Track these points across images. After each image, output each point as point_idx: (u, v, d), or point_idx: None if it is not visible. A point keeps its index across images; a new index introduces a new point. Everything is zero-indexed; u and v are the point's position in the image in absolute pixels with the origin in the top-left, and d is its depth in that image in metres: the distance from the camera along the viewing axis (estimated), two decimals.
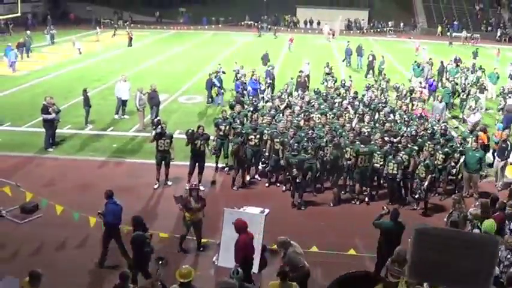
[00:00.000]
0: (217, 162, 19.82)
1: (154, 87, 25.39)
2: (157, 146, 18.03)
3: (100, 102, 28.13)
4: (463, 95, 27.29)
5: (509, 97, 27.56)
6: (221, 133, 19.50)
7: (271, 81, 29.39)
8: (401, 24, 72.65)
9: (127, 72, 32.13)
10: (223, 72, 30.79)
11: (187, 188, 14.91)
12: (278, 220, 14.49)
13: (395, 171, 17.07)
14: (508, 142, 19.39)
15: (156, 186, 18.16)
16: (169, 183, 18.36)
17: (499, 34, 68.58)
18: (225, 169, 19.85)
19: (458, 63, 37.00)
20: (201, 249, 14.14)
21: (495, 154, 20.06)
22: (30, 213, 15.70)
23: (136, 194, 17.51)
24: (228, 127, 19.50)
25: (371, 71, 38.44)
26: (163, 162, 18.18)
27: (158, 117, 21.93)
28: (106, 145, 22.60)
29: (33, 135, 23.16)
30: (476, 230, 12.68)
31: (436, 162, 17.78)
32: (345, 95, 25.24)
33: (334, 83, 28.44)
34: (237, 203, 14.46)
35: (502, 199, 14.53)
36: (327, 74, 30.43)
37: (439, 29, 70.01)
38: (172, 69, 40.05)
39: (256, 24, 66.79)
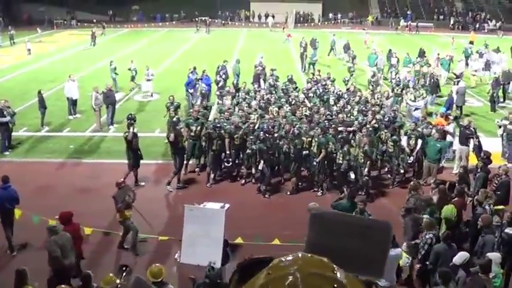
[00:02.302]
0: (188, 160, 19.63)
1: (109, 86, 25.26)
2: (131, 144, 18.05)
3: (56, 103, 27.78)
4: (397, 90, 26.32)
5: (460, 81, 28.28)
6: (192, 134, 19.09)
7: (223, 77, 29.38)
8: (350, 14, 73.47)
9: (82, 72, 31.92)
10: (115, 69, 31.02)
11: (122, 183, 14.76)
12: (238, 214, 14.64)
13: (340, 161, 17.38)
14: (472, 129, 19.62)
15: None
16: (141, 183, 18.37)
17: (452, 22, 69.79)
18: (196, 169, 19.71)
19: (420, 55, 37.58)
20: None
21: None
22: None
23: (96, 194, 17.44)
24: (199, 127, 19.10)
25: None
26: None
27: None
28: (63, 146, 22.40)
29: None
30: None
31: (389, 150, 18.31)
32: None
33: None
34: (198, 200, 14.56)
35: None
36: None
37: (370, 18, 70.99)
38: (127, 67, 39.71)
39: (210, 20, 66.67)
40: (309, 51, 39.27)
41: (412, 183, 14.99)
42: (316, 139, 17.78)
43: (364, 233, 2.25)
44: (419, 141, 18.70)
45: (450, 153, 20.62)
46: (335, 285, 1.74)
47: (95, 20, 64.59)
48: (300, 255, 1.87)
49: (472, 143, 19.31)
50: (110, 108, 24.98)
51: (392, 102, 25.00)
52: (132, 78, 31.78)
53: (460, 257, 11.13)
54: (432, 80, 28.73)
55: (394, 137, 18.48)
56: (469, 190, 15.53)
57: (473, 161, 18.52)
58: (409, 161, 18.82)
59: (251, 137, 18.02)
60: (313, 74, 28.86)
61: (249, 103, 21.95)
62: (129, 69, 31.80)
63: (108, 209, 15.21)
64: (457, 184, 15.08)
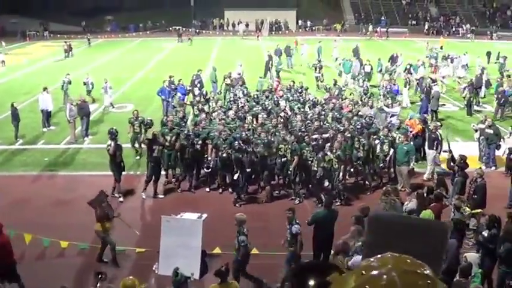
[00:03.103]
0: (167, 170, 19.52)
1: (83, 98, 25.09)
2: (115, 158, 17.78)
3: (29, 116, 27.52)
4: (364, 98, 25.76)
5: (435, 85, 28.57)
6: (167, 143, 18.86)
7: (197, 86, 29.27)
8: (324, 21, 73.88)
9: (56, 84, 31.63)
10: (69, 83, 30.01)
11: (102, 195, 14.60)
12: (216, 224, 14.58)
13: (315, 168, 17.41)
14: (438, 133, 19.95)
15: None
16: (117, 196, 18.16)
17: (426, 27, 70.50)
18: (172, 180, 19.56)
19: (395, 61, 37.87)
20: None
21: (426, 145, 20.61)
22: None
23: (72, 207, 17.29)
24: (174, 137, 18.91)
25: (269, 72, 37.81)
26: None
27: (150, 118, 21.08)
28: (38, 159, 22.17)
29: None
30: None
31: (361, 155, 18.45)
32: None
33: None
34: (175, 210, 14.45)
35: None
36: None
37: (338, 26, 71.55)
38: (100, 78, 39.49)
39: (184, 29, 66.60)
40: (274, 59, 39.02)
41: (384, 188, 15.04)
42: (289, 146, 17.82)
43: (422, 233, 2.30)
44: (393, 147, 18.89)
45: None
46: (428, 281, 1.81)
47: (73, 34, 64.17)
48: (389, 255, 1.92)
49: (439, 147, 19.70)
50: (85, 120, 24.78)
51: (375, 112, 24.73)
52: (88, 93, 30.51)
53: None
54: (426, 88, 28.30)
55: (364, 142, 18.56)
56: (447, 194, 15.60)
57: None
58: (380, 165, 18.99)
59: (224, 145, 17.97)
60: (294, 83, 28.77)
61: (224, 112, 21.87)
62: (85, 84, 30.85)
63: (84, 222, 15.09)
64: (434, 189, 15.15)
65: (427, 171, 19.87)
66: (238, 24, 71.97)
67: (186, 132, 18.81)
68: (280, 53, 43.84)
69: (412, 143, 19.26)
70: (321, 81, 30.12)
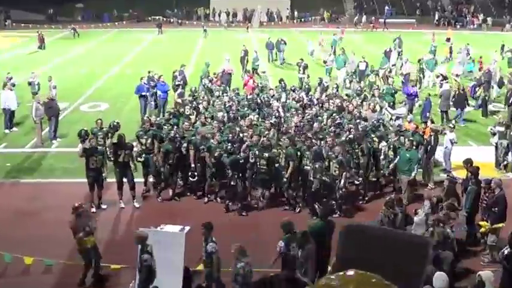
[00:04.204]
0: (146, 176, 19.39)
1: (51, 95, 24.96)
2: (88, 163, 17.62)
3: None
4: (358, 100, 25.40)
5: (445, 82, 28.63)
6: (143, 147, 18.95)
7: (180, 82, 29.21)
8: (322, 10, 74.13)
9: (20, 79, 31.50)
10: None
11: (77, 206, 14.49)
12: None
13: (311, 178, 17.29)
14: (433, 136, 19.95)
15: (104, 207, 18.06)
16: (103, 206, 18.08)
17: (437, 18, 70.50)
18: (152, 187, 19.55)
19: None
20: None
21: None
22: None
23: (37, 219, 17.21)
24: (150, 140, 18.93)
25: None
26: (96, 183, 17.82)
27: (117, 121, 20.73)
28: None
29: None
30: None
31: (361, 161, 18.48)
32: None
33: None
34: (154, 222, 14.43)
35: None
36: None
37: (325, 14, 71.80)
38: (72, 73, 39.45)
39: (164, 19, 66.58)
40: (250, 55, 38.60)
41: (388, 198, 14.98)
42: (284, 151, 17.84)
43: (401, 248, 2.30)
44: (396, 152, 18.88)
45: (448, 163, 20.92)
46: None
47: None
48: (352, 272, 1.91)
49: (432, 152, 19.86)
50: (53, 121, 24.64)
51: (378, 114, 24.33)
52: (34, 95, 28.34)
53: (439, 279, 11.02)
54: (458, 92, 27.63)
55: (363, 146, 18.58)
56: (459, 205, 15.47)
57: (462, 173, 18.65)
58: (384, 173, 19.07)
59: (218, 149, 17.95)
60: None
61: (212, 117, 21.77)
62: (30, 84, 29.65)
63: (51, 235, 15.04)
64: (444, 199, 15.07)
65: (430, 180, 19.89)
66: (219, 15, 71.87)
67: (172, 134, 18.71)
68: (272, 47, 43.90)
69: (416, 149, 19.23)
70: (307, 84, 29.67)
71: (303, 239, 12.55)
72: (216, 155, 17.90)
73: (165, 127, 19.61)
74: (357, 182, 18.75)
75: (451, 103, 27.30)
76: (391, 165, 18.71)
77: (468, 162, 16.90)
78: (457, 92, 27.49)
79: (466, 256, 14.86)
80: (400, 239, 2.39)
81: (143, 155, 18.92)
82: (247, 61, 38.27)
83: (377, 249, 2.28)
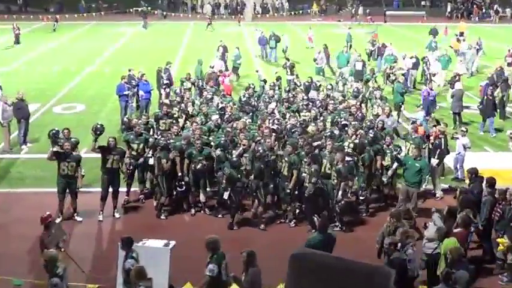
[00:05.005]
0: (130, 185, 19.44)
1: (21, 95, 24.92)
2: (59, 168, 17.57)
3: None
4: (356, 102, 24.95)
5: (457, 80, 28.69)
6: (134, 152, 18.94)
7: (167, 82, 29.19)
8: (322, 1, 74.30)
9: None
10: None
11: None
12: (187, 253, 14.57)
13: (306, 184, 17.27)
14: (442, 139, 19.96)
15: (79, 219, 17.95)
16: (78, 218, 18.02)
17: (449, 10, 70.59)
18: (141, 196, 19.52)
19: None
20: None
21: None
22: None
23: (6, 233, 17.17)
24: (142, 145, 18.98)
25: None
26: (67, 190, 17.77)
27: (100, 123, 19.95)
28: None
29: None
30: None
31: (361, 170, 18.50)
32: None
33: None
34: (137, 236, 14.42)
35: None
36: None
37: (314, 6, 72.01)
38: (44, 70, 39.42)
39: (150, 9, 66.61)
40: (231, 52, 38.10)
41: (394, 210, 14.92)
42: (286, 159, 17.77)
43: (356, 279, 2.28)
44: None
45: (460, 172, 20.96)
46: None
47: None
48: None
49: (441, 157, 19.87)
50: (23, 123, 24.55)
51: (393, 121, 23.90)
52: None
53: None
54: (486, 98, 27.21)
55: (364, 156, 18.57)
56: (475, 218, 15.31)
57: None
58: (383, 179, 18.86)
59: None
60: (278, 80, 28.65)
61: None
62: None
63: (20, 251, 15.02)
64: (458, 210, 15.02)
65: (436, 188, 19.89)
66: (202, 6, 71.81)
67: (162, 141, 18.62)
68: (265, 42, 43.87)
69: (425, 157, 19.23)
70: (298, 85, 29.47)
71: (248, 261, 12.00)
72: (198, 167, 18.07)
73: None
74: (361, 197, 18.64)
75: (479, 110, 27.32)
76: (389, 172, 18.52)
77: (473, 172, 16.86)
78: (484, 98, 27.35)
79: (482, 275, 14.89)
80: (355, 268, 2.36)
81: (133, 161, 18.91)
82: (227, 58, 37.69)
83: (327, 280, 2.26)
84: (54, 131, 18.61)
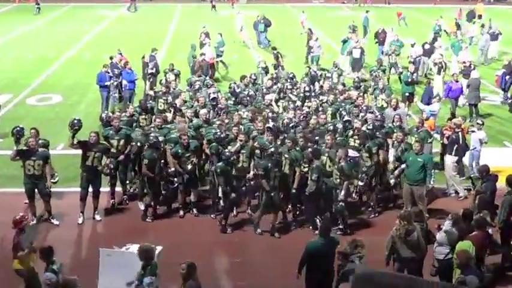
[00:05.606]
0: (114, 186, 19.34)
1: None
2: (24, 168, 17.49)
3: None
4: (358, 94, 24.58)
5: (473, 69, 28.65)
6: (114, 150, 18.78)
7: (153, 71, 29.03)
8: None
9: None
10: None
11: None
12: (175, 259, 14.48)
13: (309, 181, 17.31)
14: (460, 133, 19.89)
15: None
16: (54, 221, 17.92)
17: None
18: (124, 197, 19.47)
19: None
20: None
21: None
22: None
23: None
24: (122, 141, 18.90)
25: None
26: (35, 191, 17.67)
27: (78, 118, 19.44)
28: None
29: None
30: None
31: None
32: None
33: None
34: (119, 240, 14.38)
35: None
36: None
37: None
38: (17, 57, 39.37)
39: None
40: (213, 39, 37.15)
41: (403, 211, 14.84)
42: (286, 155, 17.66)
43: None
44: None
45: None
46: None
47: None
48: None
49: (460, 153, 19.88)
50: None
51: (404, 113, 23.94)
52: None
53: None
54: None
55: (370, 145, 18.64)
56: (492, 220, 15.32)
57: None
58: (390, 181, 18.84)
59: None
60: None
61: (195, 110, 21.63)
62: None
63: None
64: (475, 212, 14.97)
65: (459, 189, 19.77)
66: None
67: (152, 136, 18.50)
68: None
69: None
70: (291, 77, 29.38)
71: (187, 273, 11.89)
72: (189, 168, 18.01)
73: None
74: (361, 183, 18.27)
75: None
76: (396, 172, 18.45)
77: (484, 171, 16.79)
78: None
79: (501, 282, 14.87)
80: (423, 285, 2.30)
81: (112, 159, 18.62)
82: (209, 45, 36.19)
83: None
84: (18, 128, 18.32)
